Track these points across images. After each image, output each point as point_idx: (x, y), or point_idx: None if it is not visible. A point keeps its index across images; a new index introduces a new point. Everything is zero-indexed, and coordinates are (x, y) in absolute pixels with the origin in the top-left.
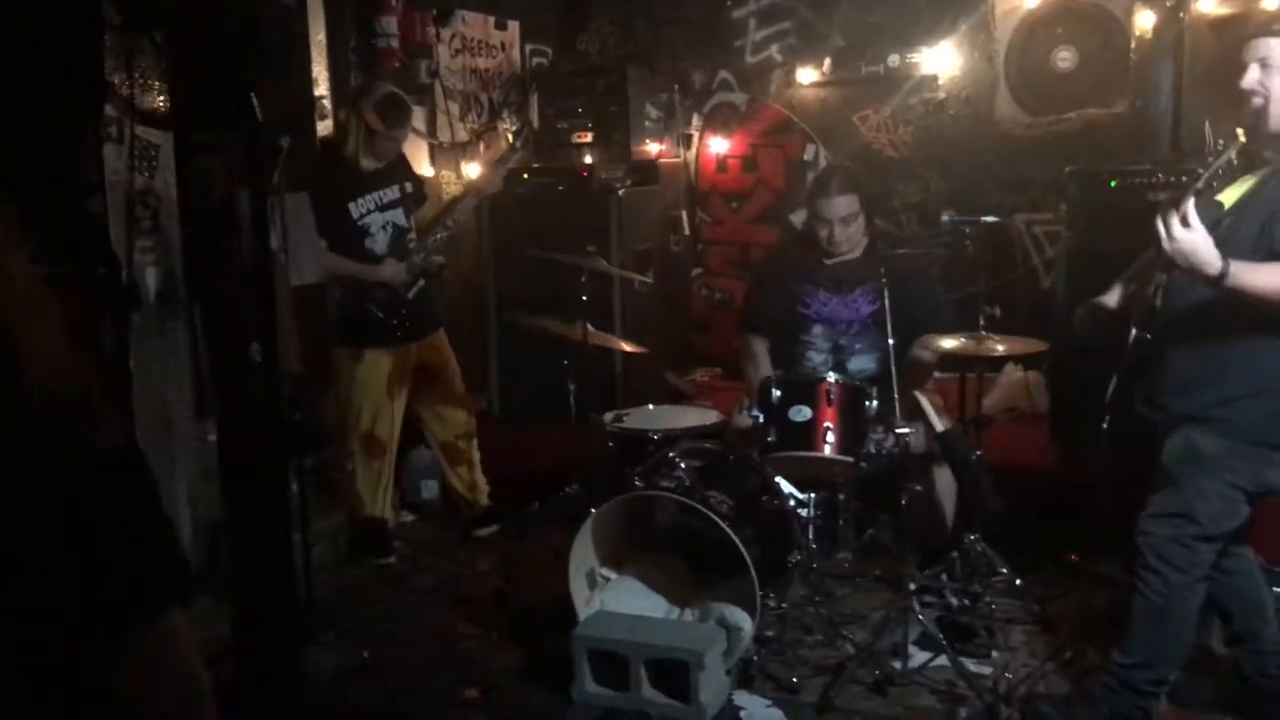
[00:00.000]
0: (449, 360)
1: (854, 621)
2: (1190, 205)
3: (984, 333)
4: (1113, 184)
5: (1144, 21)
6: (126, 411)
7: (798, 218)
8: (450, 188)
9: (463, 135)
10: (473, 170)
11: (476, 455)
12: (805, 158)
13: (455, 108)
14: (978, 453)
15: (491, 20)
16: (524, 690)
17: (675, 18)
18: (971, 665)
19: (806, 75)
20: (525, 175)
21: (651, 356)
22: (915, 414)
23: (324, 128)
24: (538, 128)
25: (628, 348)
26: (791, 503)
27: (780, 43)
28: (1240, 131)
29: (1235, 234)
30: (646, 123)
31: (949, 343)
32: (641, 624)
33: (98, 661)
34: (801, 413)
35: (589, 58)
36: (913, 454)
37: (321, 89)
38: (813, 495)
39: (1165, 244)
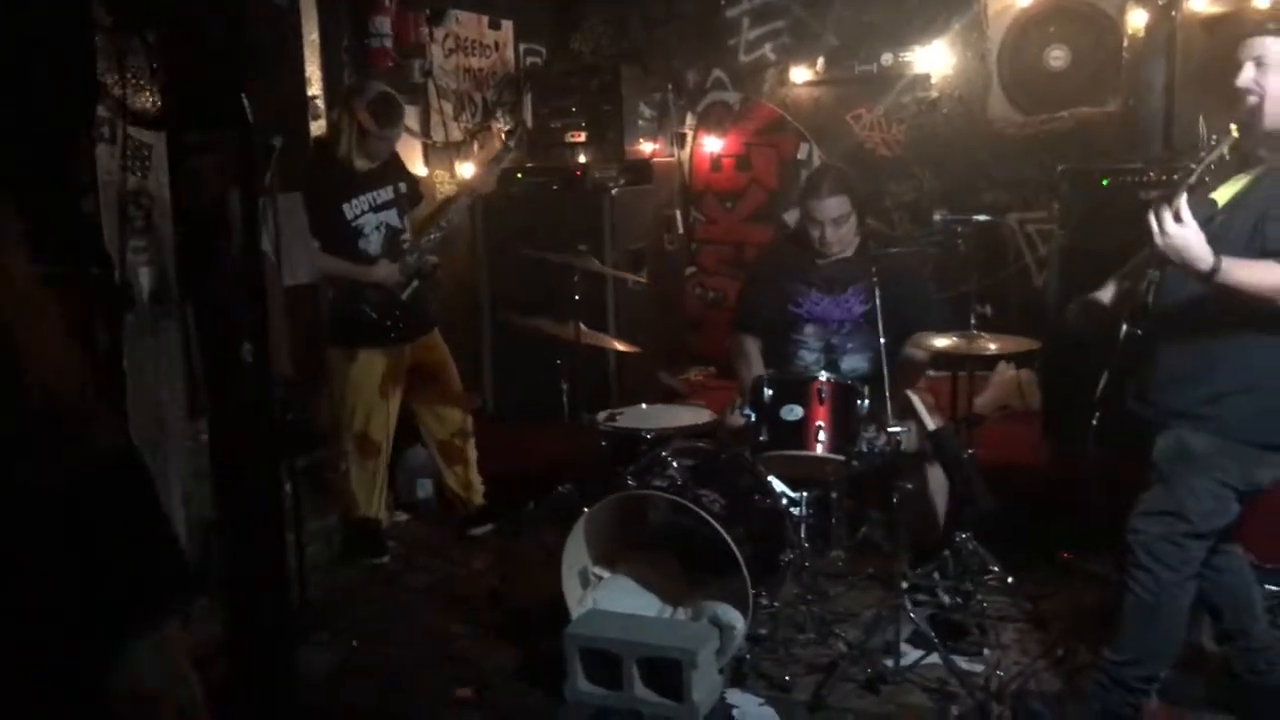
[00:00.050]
0: (446, 359)
1: (846, 620)
2: (1183, 200)
3: (975, 331)
4: (1105, 182)
5: (1136, 20)
6: (120, 411)
7: (791, 217)
8: (444, 187)
9: (456, 135)
10: (466, 170)
11: (473, 454)
12: (799, 157)
13: (449, 107)
14: (969, 451)
15: (485, 20)
16: (517, 689)
17: (669, 16)
18: (963, 663)
19: (800, 74)
20: (519, 175)
21: (645, 356)
22: (907, 412)
23: (317, 127)
24: (531, 127)
25: (621, 347)
26: (784, 501)
27: (774, 42)
28: (1233, 127)
29: (1228, 231)
30: (640, 122)
31: (941, 341)
32: (634, 623)
33: (95, 664)
34: (793, 412)
35: (582, 57)
36: (905, 452)
37: (315, 89)
38: (805, 494)
39: (1158, 239)
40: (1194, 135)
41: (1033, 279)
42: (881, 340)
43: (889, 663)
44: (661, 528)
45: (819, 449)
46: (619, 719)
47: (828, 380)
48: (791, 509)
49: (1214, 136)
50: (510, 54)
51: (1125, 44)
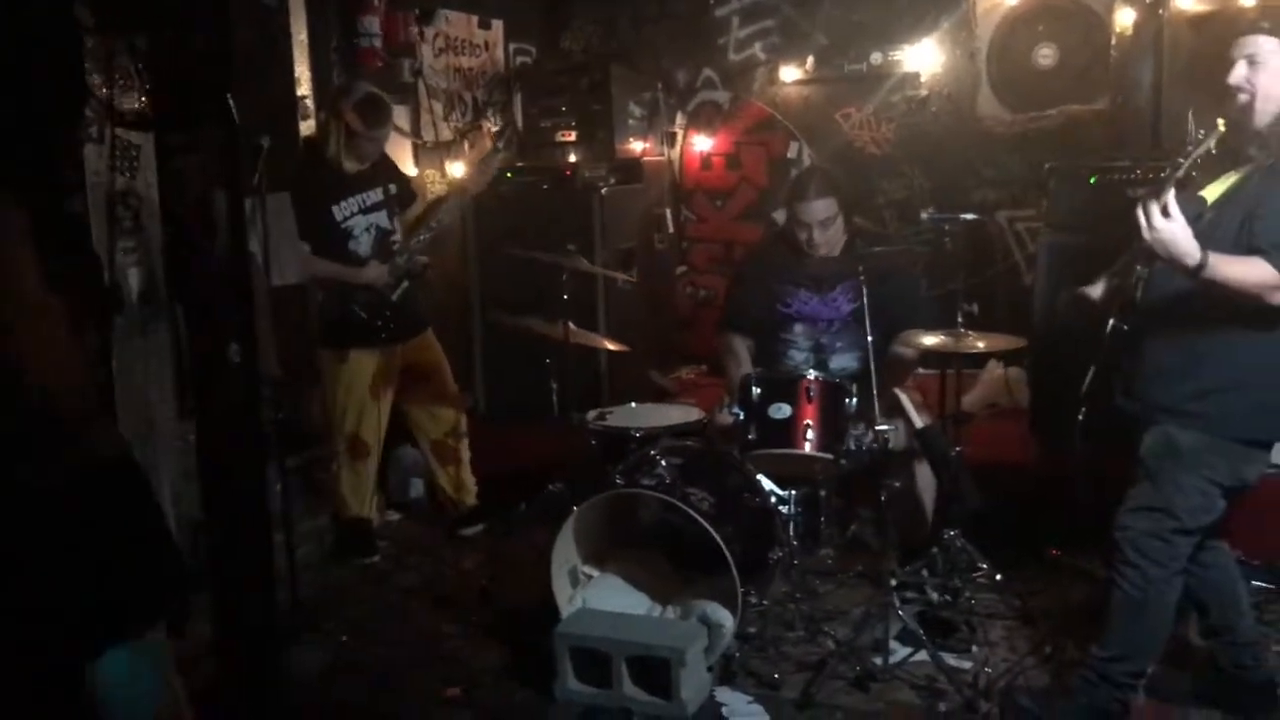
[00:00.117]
0: (439, 360)
1: (835, 618)
2: (1170, 195)
3: (962, 329)
4: (1092, 180)
5: (1124, 18)
6: (109, 412)
7: (781, 215)
8: (434, 187)
9: (446, 134)
10: (457, 169)
11: (466, 454)
12: (789, 155)
13: (439, 107)
14: (957, 449)
15: (475, 19)
16: (507, 688)
17: (658, 16)
18: (952, 660)
19: (789, 73)
20: (509, 174)
21: (636, 354)
22: (895, 411)
23: (306, 128)
24: (522, 127)
25: (611, 346)
26: (773, 500)
27: (763, 41)
28: (1221, 122)
29: (1216, 229)
30: (630, 121)
31: (929, 339)
32: (623, 621)
33: (85, 664)
34: (781, 410)
35: (572, 56)
36: (893, 450)
37: (304, 89)
38: (793, 492)
39: (1145, 233)
40: (1181, 133)
41: (1022, 277)
42: (869, 338)
43: (878, 660)
44: (651, 526)
45: (807, 447)
46: (608, 717)
47: (816, 378)
48: (780, 507)
49: (1201, 131)
50: (500, 53)
51: (1113, 42)
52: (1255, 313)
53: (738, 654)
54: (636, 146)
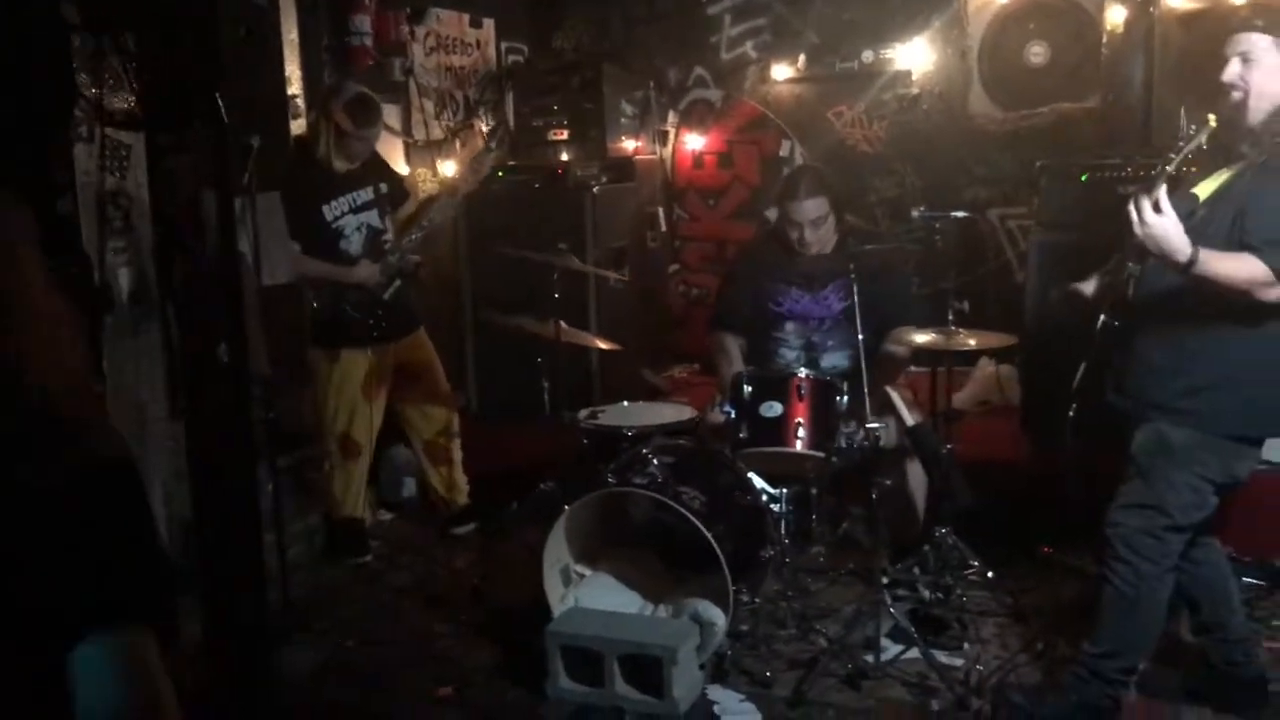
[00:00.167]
0: (432, 358)
1: (827, 615)
2: (1162, 191)
3: (953, 327)
4: (1083, 178)
5: (1115, 16)
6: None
7: (774, 214)
8: (426, 186)
9: (438, 133)
10: (449, 168)
11: (458, 454)
12: (781, 154)
13: (430, 106)
14: (948, 446)
15: (466, 18)
16: (499, 687)
17: (650, 15)
18: (943, 657)
19: (781, 71)
20: (500, 173)
21: (628, 353)
22: (886, 408)
23: (297, 127)
24: (513, 125)
25: (603, 345)
26: (764, 498)
27: (755, 39)
28: (1212, 117)
29: (1209, 226)
30: (622, 120)
31: (920, 337)
32: (615, 620)
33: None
34: (772, 408)
35: (564, 55)
36: (884, 448)
37: (294, 88)
38: (785, 490)
39: (1137, 229)
40: (1172, 131)
41: (1014, 274)
42: (859, 336)
43: (869, 658)
44: (643, 525)
45: (798, 445)
46: (600, 716)
47: (807, 377)
48: (772, 505)
49: (1193, 127)
50: (492, 52)
51: (1104, 40)
52: (1246, 309)
53: (730, 652)
54: (629, 145)
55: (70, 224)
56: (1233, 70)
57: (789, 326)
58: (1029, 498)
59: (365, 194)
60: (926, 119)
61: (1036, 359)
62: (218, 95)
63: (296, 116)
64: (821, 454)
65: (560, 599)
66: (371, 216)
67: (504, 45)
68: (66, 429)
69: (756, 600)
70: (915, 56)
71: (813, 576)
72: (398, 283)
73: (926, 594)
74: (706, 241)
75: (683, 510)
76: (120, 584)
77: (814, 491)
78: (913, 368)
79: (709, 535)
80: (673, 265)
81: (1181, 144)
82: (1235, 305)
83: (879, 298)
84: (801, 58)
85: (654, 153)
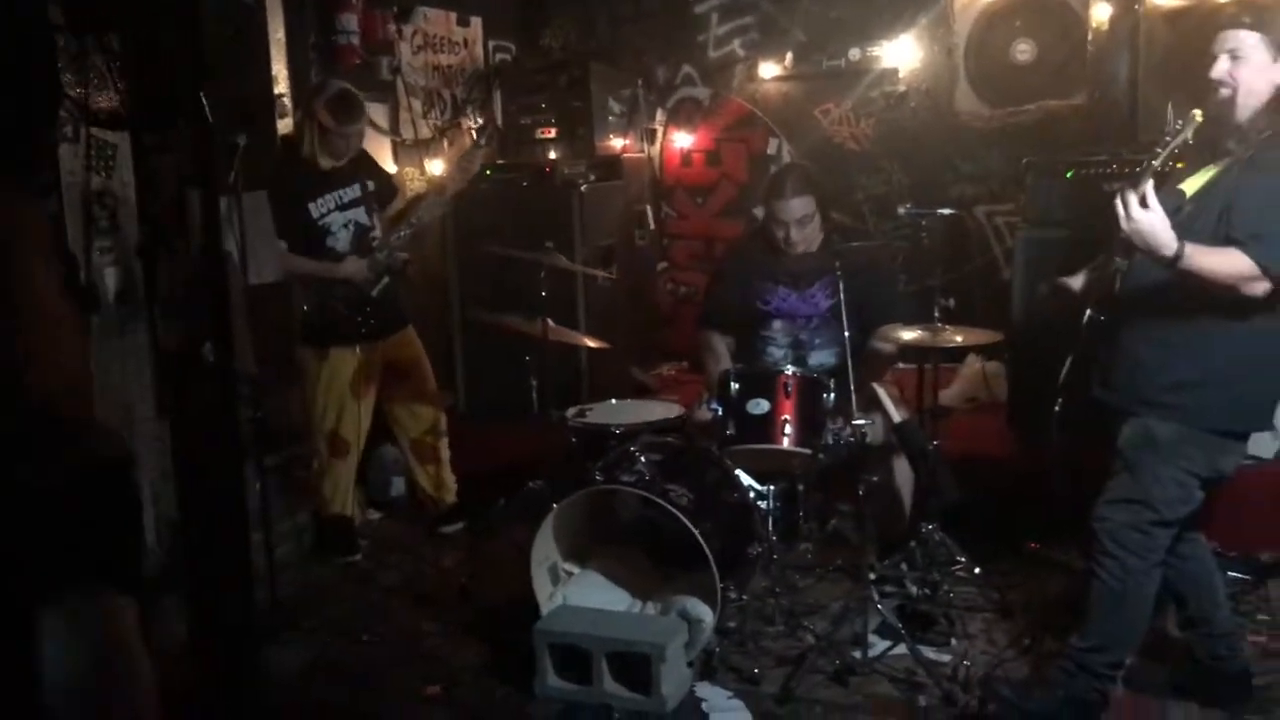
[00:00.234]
0: (419, 357)
1: (814, 612)
2: (1148, 186)
3: (939, 324)
4: (1069, 175)
5: (1100, 14)
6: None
7: (761, 212)
8: (414, 185)
9: (426, 132)
10: (436, 167)
11: (446, 453)
12: (768, 152)
13: (418, 105)
14: (934, 443)
15: (453, 17)
16: (487, 686)
17: (637, 14)
18: (931, 653)
19: (769, 69)
20: (488, 171)
21: (617, 351)
22: (873, 405)
23: (284, 126)
24: (501, 124)
25: (590, 343)
26: (751, 495)
27: (742, 37)
28: (1197, 112)
29: (1195, 221)
30: (610, 118)
31: (907, 334)
32: (603, 618)
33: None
34: (759, 405)
35: (552, 53)
36: (871, 445)
37: (281, 87)
38: (772, 487)
39: (1123, 224)
40: (1158, 127)
41: (1000, 271)
42: (846, 334)
43: (857, 654)
44: (630, 523)
45: (785, 442)
46: (589, 714)
47: (793, 374)
48: (759, 502)
49: (1179, 122)
50: (479, 51)
51: (1090, 37)
52: (1232, 304)
53: (718, 649)
54: (616, 143)
55: (56, 224)
56: (1221, 67)
57: (777, 325)
58: (1016, 493)
59: (352, 191)
60: (913, 116)
61: (1023, 355)
62: (202, 94)
63: (283, 115)
64: (808, 451)
65: (548, 597)
66: (358, 214)
67: (491, 44)
68: (66, 429)
69: (744, 597)
70: (902, 54)
71: (800, 573)
72: (386, 280)
73: (914, 590)
74: (695, 239)
75: (670, 508)
76: (98, 552)
77: (801, 488)
78: (900, 364)
79: (696, 532)
80: (661, 263)
81: (1168, 139)
82: (1221, 300)
83: (865, 295)
84: (789, 56)
85: (642, 151)
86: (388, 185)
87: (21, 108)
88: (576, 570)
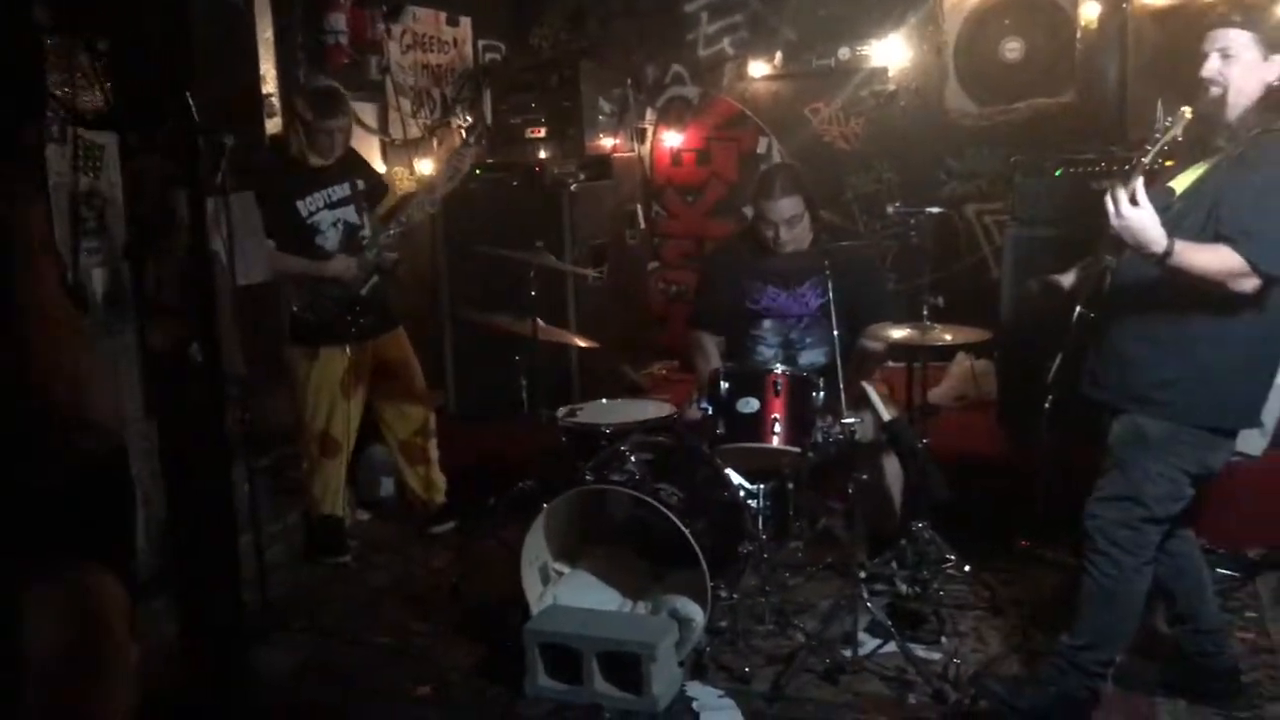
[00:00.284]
0: (408, 357)
1: (805, 610)
2: (1139, 183)
3: (928, 323)
4: (1058, 173)
5: (1089, 12)
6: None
7: (751, 211)
8: (404, 184)
9: (415, 132)
10: (426, 167)
11: (435, 453)
12: (759, 151)
13: (407, 104)
14: (924, 441)
15: (443, 16)
16: (477, 686)
17: (626, 11)
18: (921, 651)
19: (758, 68)
20: (478, 171)
21: (608, 350)
22: (862, 404)
23: (273, 126)
24: (491, 124)
25: (581, 342)
26: (742, 494)
27: (732, 36)
28: (1187, 109)
29: (1184, 218)
30: (600, 117)
31: (896, 333)
32: (594, 618)
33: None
34: (749, 404)
35: (541, 53)
36: (860, 443)
37: (270, 87)
38: (762, 486)
39: (1113, 220)
40: (1147, 124)
41: (990, 270)
42: (835, 332)
43: (847, 652)
44: (621, 522)
45: (775, 441)
46: (579, 714)
47: (783, 373)
48: (749, 501)
49: (1169, 119)
50: (469, 50)
51: (1079, 36)
52: (1221, 302)
53: (708, 648)
54: (607, 143)
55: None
56: (1212, 66)
57: (767, 324)
58: (1005, 491)
59: (341, 190)
60: (903, 115)
61: (1013, 354)
62: (188, 95)
63: (272, 115)
64: (798, 449)
65: (539, 597)
66: (348, 213)
67: (481, 43)
68: (66, 429)
69: (735, 596)
70: (891, 53)
71: (791, 572)
72: (375, 279)
73: (904, 588)
74: (686, 238)
75: (661, 507)
76: (92, 543)
77: (791, 487)
78: (889, 363)
79: (687, 531)
80: (652, 262)
81: (1158, 136)
82: (1210, 298)
83: (855, 294)
84: (778, 55)
85: (632, 150)
86: (378, 184)
87: (7, 107)
88: (567, 570)
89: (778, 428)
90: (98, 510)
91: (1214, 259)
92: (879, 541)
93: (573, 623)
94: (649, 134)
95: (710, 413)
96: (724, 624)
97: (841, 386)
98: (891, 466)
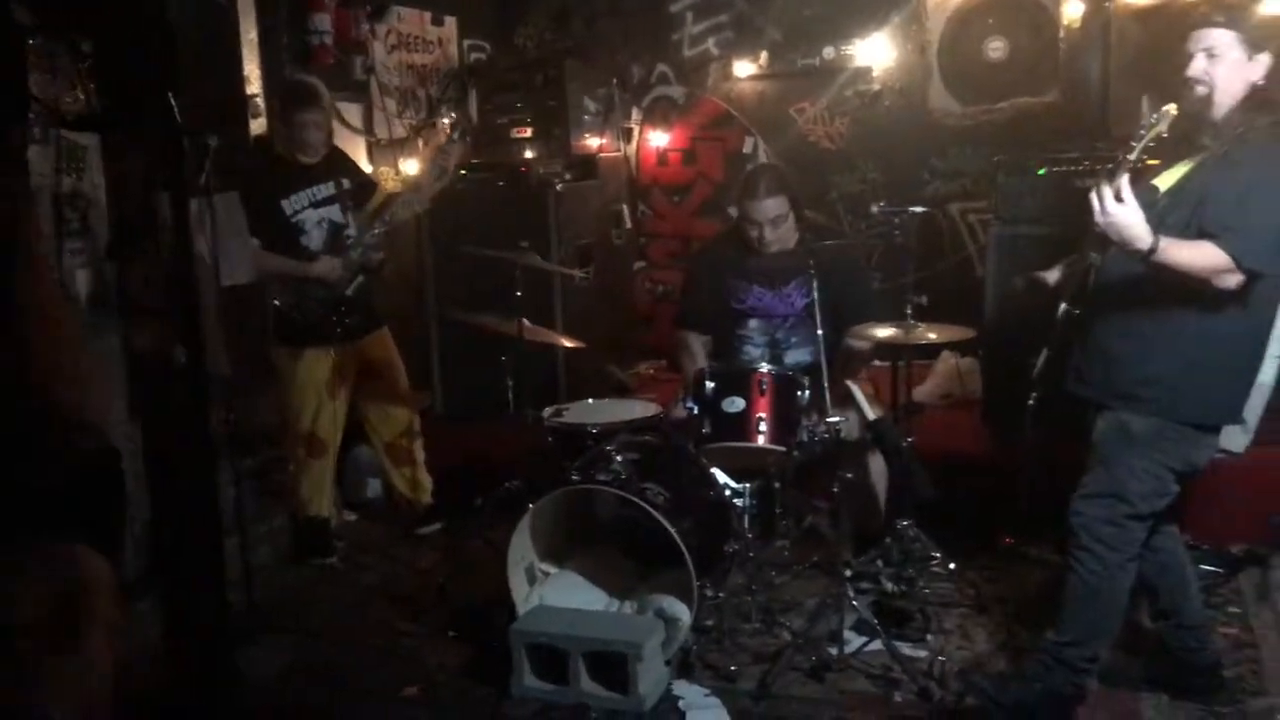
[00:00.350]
0: (393, 358)
1: (791, 609)
2: (1124, 180)
3: (912, 322)
4: (1041, 172)
5: (1072, 11)
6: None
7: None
8: (390, 184)
9: (400, 132)
10: (411, 166)
11: (421, 454)
12: (744, 150)
13: (392, 104)
14: (909, 439)
15: (427, 16)
16: (464, 686)
17: (611, 11)
18: (906, 649)
19: (744, 68)
20: (464, 171)
21: (594, 350)
22: (847, 402)
23: (257, 126)
24: (477, 123)
25: (567, 342)
26: (727, 493)
27: (717, 36)
28: (1172, 106)
29: (1169, 216)
30: (586, 117)
31: (881, 332)
32: (580, 617)
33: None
34: (735, 404)
35: (527, 52)
36: (846, 442)
37: (254, 87)
38: (748, 485)
39: (1099, 217)
40: (1130, 123)
41: (974, 268)
42: (820, 331)
43: (833, 650)
44: (607, 522)
45: (760, 440)
46: (566, 713)
47: (768, 372)
48: (735, 500)
49: (1154, 116)
50: (454, 50)
51: (1062, 35)
52: (1206, 298)
53: (695, 647)
54: (592, 142)
55: None
56: (1198, 65)
57: (752, 324)
58: (990, 489)
59: (325, 189)
60: (887, 115)
61: (997, 351)
62: (171, 96)
63: (256, 116)
64: (783, 448)
65: (525, 597)
66: (333, 212)
67: (466, 43)
68: (66, 429)
69: (721, 595)
70: (876, 53)
71: (776, 570)
72: (360, 278)
73: (889, 586)
74: (672, 238)
75: (647, 506)
76: (84, 532)
77: (777, 486)
78: (874, 362)
79: (673, 531)
80: (638, 262)
81: (1143, 132)
82: (1194, 294)
83: (839, 293)
84: (763, 54)
85: (618, 150)
86: (366, 183)
87: None
88: (553, 570)
89: (763, 427)
90: (92, 509)
91: (1198, 255)
92: (864, 540)
93: (559, 623)
94: (635, 134)
95: (696, 412)
96: (710, 623)
97: (826, 385)
98: (877, 465)
